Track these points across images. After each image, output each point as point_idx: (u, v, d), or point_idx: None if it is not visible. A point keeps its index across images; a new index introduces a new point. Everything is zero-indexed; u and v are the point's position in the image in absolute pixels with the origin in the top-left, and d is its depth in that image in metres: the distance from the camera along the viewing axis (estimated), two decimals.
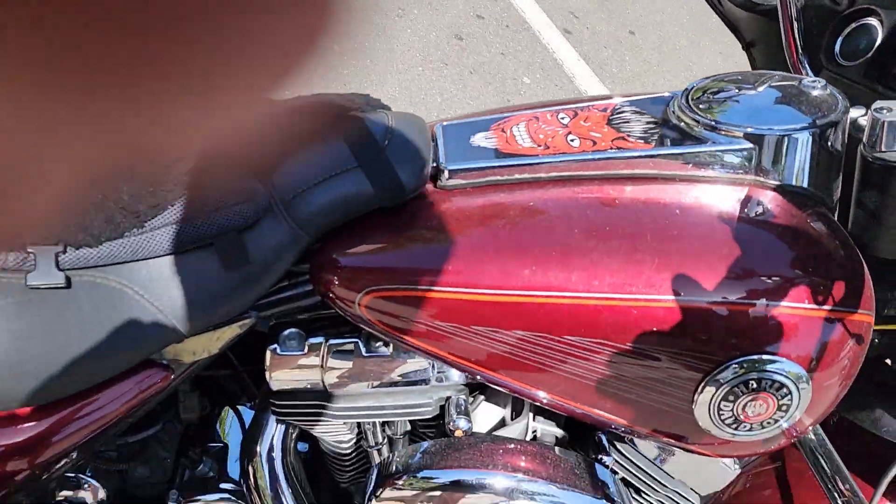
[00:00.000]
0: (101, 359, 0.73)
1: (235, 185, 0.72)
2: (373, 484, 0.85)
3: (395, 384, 0.84)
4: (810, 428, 0.80)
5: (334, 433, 0.91)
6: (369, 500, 0.84)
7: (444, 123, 0.87)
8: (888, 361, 1.07)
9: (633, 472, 0.91)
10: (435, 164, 0.80)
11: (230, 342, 0.81)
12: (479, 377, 0.80)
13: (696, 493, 0.95)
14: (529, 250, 0.72)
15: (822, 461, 1.02)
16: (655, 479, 0.92)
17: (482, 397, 0.90)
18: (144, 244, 0.71)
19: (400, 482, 0.83)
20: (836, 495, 0.99)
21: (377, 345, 0.82)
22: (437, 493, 0.82)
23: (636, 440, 0.89)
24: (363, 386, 0.84)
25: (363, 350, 0.82)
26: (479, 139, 0.82)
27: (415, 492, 0.83)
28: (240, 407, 1.10)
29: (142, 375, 0.78)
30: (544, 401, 0.79)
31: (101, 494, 0.95)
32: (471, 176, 0.78)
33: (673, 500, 0.95)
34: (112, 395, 0.77)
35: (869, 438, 1.15)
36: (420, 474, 0.83)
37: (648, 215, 0.73)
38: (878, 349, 0.98)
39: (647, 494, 0.94)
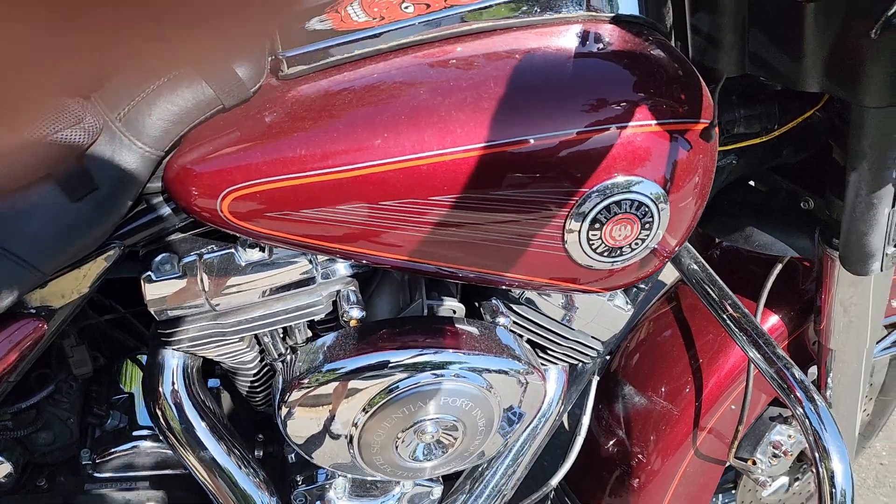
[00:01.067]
0: None
1: (59, 111, 0.68)
2: (279, 390, 0.85)
3: (281, 289, 0.83)
4: (677, 247, 0.83)
5: (234, 354, 0.90)
6: (279, 407, 0.84)
7: None
8: (752, 183, 1.13)
9: (534, 329, 0.94)
10: (272, 57, 0.77)
11: (99, 278, 0.78)
12: (361, 260, 0.80)
13: (598, 339, 0.99)
14: (379, 120, 0.71)
15: (709, 289, 1.08)
16: (556, 333, 0.95)
17: (373, 287, 0.90)
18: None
19: (305, 381, 0.83)
20: (724, 317, 1.05)
21: (253, 251, 0.80)
22: (344, 382, 0.82)
23: (532, 299, 0.92)
24: (249, 296, 0.82)
25: (240, 259, 0.80)
26: (314, 23, 0.80)
27: (321, 387, 0.83)
28: (140, 357, 1.07)
29: (11, 330, 0.74)
30: (431, 270, 0.79)
31: (7, 468, 0.92)
32: (310, 60, 0.76)
33: (576, 349, 0.98)
34: None
35: (749, 263, 1.22)
36: (324, 369, 0.83)
37: (490, 65, 0.74)
38: (738, 171, 1.03)
39: (551, 350, 0.98)
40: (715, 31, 0.82)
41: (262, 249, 0.81)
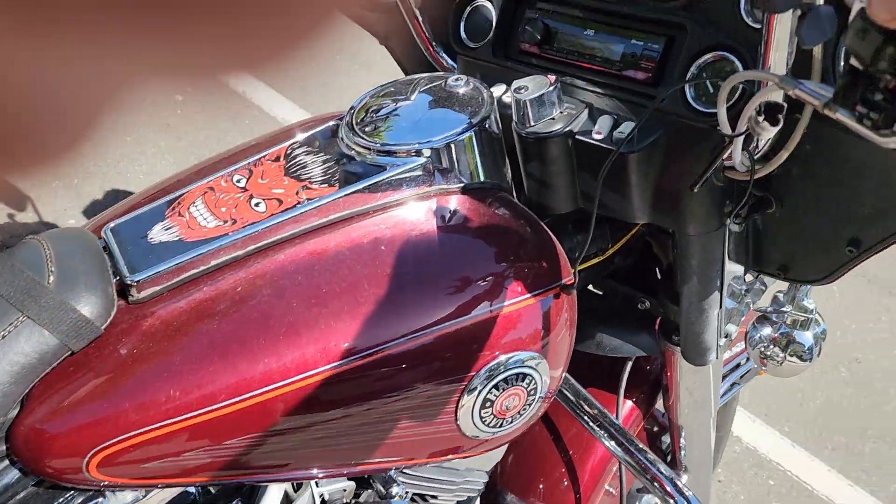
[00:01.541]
0: None
1: None
2: None
3: None
4: (559, 384, 0.87)
5: None
6: None
7: (112, 225, 0.78)
8: (591, 287, 1.21)
9: (426, 484, 0.94)
10: (118, 279, 0.71)
11: None
12: (250, 481, 0.75)
13: (481, 471, 1.01)
14: (255, 342, 0.68)
15: (568, 394, 1.14)
16: (446, 481, 0.96)
17: (258, 493, 0.85)
18: None
19: None
20: (586, 419, 1.11)
21: (125, 492, 0.73)
22: None
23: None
24: None
25: None
26: (158, 233, 0.75)
27: None
28: None
29: None
30: (321, 475, 0.76)
31: None
32: (162, 280, 0.71)
33: (465, 487, 0.99)
34: None
35: (600, 359, 1.30)
36: None
37: (357, 260, 0.73)
38: (580, 284, 1.10)
39: (443, 497, 0.98)
40: (547, 177, 0.87)
41: (135, 489, 0.73)
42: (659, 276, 1.08)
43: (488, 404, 0.75)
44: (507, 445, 0.99)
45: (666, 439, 1.33)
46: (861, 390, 2.36)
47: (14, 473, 0.68)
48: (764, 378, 1.46)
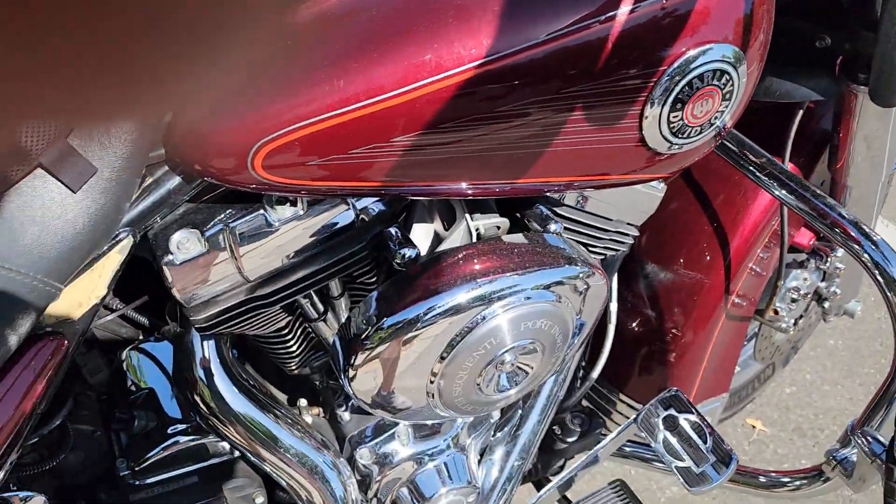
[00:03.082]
0: None
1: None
2: (341, 356, 0.76)
3: (320, 242, 0.73)
4: (735, 122, 0.77)
5: (270, 324, 0.80)
6: (345, 371, 0.76)
7: None
8: None
9: (576, 229, 0.88)
10: None
11: (115, 275, 0.66)
12: (409, 195, 0.70)
13: (633, 225, 0.94)
14: (420, 32, 0.60)
15: (728, 143, 1.03)
16: (598, 228, 0.89)
17: (411, 220, 0.81)
18: None
19: (369, 342, 0.74)
20: (752, 169, 1.01)
21: (284, 207, 0.69)
22: (411, 333, 0.74)
23: (572, 198, 0.85)
24: (287, 258, 0.72)
25: (271, 219, 0.69)
26: None
27: (387, 343, 0.74)
28: (142, 346, 0.96)
29: (30, 356, 0.62)
30: (486, 190, 0.71)
31: (40, 501, 0.81)
32: None
33: (616, 240, 0.93)
34: (6, 397, 0.62)
35: (754, 115, 1.18)
36: (386, 323, 0.74)
37: None
38: None
39: (592, 246, 0.92)
40: None
41: (294, 203, 0.70)
42: (847, 3, 0.93)
43: (679, 106, 0.66)
44: (658, 202, 0.90)
45: None
46: None
47: (175, 179, 0.65)
48: None
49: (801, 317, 1.46)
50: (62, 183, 0.57)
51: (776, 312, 1.28)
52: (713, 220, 1.17)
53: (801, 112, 1.06)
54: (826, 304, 1.39)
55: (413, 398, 0.79)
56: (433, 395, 0.78)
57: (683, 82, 0.65)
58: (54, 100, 0.20)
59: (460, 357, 0.76)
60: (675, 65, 0.64)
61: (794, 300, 1.30)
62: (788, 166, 1.13)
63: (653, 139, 0.69)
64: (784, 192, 0.95)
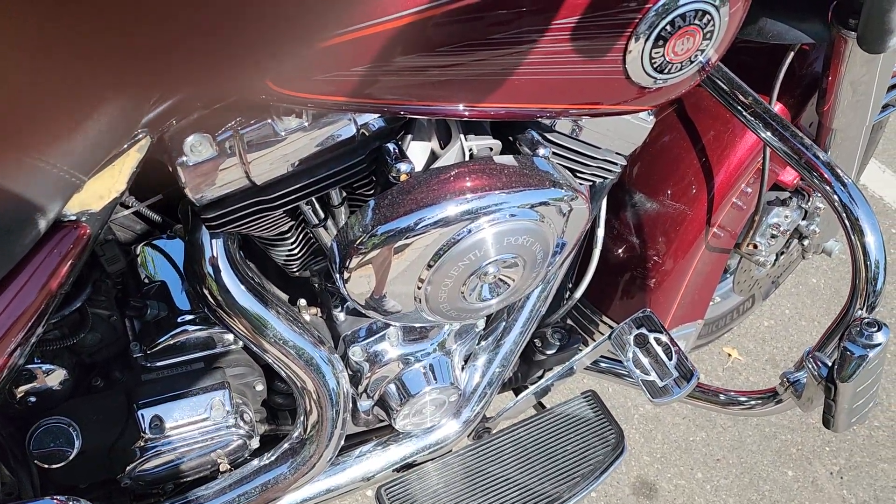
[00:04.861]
0: (1, 240, 0.63)
1: None
2: (338, 259, 0.83)
3: (323, 153, 0.79)
4: (719, 58, 0.81)
5: (274, 227, 0.87)
6: (340, 273, 0.83)
7: None
8: None
9: (565, 155, 0.93)
10: None
11: (133, 172, 0.72)
12: (406, 113, 0.76)
13: (621, 154, 0.99)
14: None
15: (720, 83, 1.08)
16: (585, 155, 0.94)
17: (409, 137, 0.86)
18: None
19: (363, 247, 0.81)
20: (739, 108, 1.06)
21: (290, 118, 0.75)
22: (401, 241, 0.81)
23: (563, 125, 0.90)
24: (291, 166, 0.78)
25: (278, 128, 0.75)
26: None
27: (379, 249, 0.81)
28: (155, 242, 1.03)
29: (56, 240, 0.69)
30: (479, 112, 0.76)
31: (62, 375, 0.89)
32: None
33: (603, 167, 0.98)
34: (34, 277, 0.69)
35: (748, 55, 1.21)
36: (379, 230, 0.81)
37: None
38: None
39: (580, 172, 0.97)
40: None
41: (300, 115, 0.75)
42: None
43: (661, 43, 0.71)
44: (647, 133, 0.95)
45: None
46: None
47: None
48: None
49: (781, 253, 1.52)
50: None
51: (755, 247, 1.34)
52: (701, 155, 1.22)
53: (791, 54, 1.10)
54: (805, 242, 1.45)
55: (402, 302, 0.86)
56: (420, 300, 0.86)
57: (666, 20, 0.69)
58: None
59: (446, 266, 0.82)
60: (660, 3, 0.68)
61: (773, 236, 1.37)
62: (777, 106, 1.18)
63: (636, 73, 0.74)
64: (767, 132, 0.99)
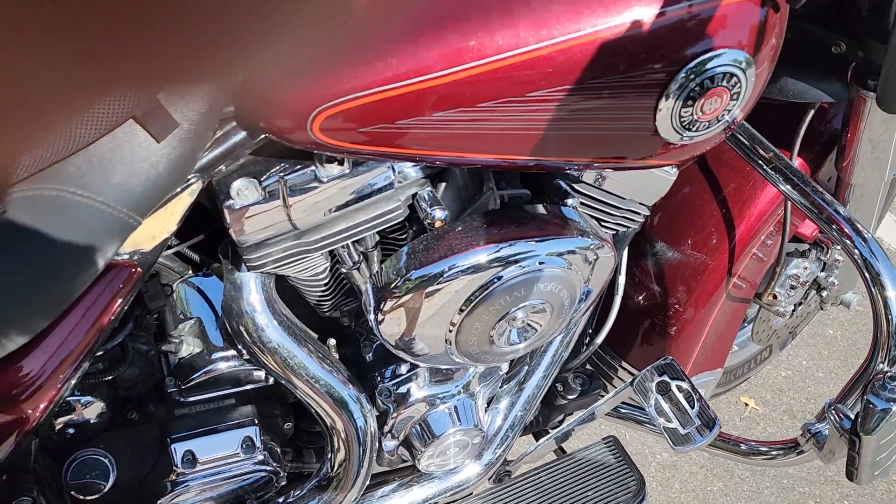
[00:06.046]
0: (65, 278, 0.67)
1: None
2: (372, 302, 0.86)
3: (361, 199, 0.82)
4: (745, 117, 0.85)
5: (310, 268, 0.90)
6: (375, 315, 0.86)
7: None
8: None
9: (591, 205, 0.96)
10: None
11: (184, 214, 0.75)
12: (445, 163, 0.79)
13: (644, 205, 1.02)
14: (470, 18, 0.68)
15: (741, 138, 1.11)
16: (611, 206, 0.98)
17: (443, 185, 0.90)
18: (62, 141, 0.63)
19: (397, 291, 0.84)
20: (760, 162, 1.09)
21: (333, 165, 0.79)
22: (434, 286, 0.84)
23: (590, 175, 0.93)
24: (331, 211, 0.81)
25: (321, 175, 0.78)
26: None
27: (413, 293, 0.84)
28: (192, 280, 1.06)
29: (109, 278, 0.72)
30: (516, 164, 0.79)
31: (100, 407, 0.92)
32: None
33: (627, 217, 1.01)
34: (88, 313, 0.72)
35: (768, 112, 1.25)
36: (413, 275, 0.84)
37: None
38: None
39: (605, 221, 1.00)
40: None
41: (341, 162, 0.79)
42: (864, 13, 0.99)
43: (690, 103, 0.74)
44: (670, 185, 0.98)
45: None
46: None
47: (241, 134, 0.75)
48: None
49: (800, 304, 1.54)
50: (149, 133, 0.66)
51: (775, 297, 1.36)
52: (722, 206, 1.24)
53: (812, 112, 1.13)
54: (824, 294, 1.47)
55: (433, 344, 0.89)
56: (451, 342, 0.88)
57: (696, 82, 0.73)
58: (139, 66, 0.22)
59: (478, 311, 0.85)
60: (691, 66, 0.72)
61: (793, 287, 1.38)
62: (797, 162, 1.21)
63: (665, 131, 0.77)
64: (787, 186, 1.02)
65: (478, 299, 0.84)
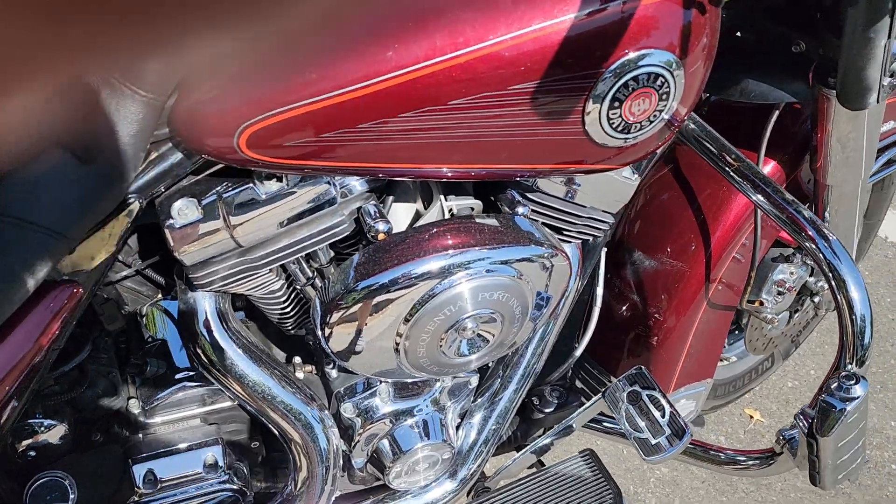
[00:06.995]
0: None
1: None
2: (319, 315, 0.86)
3: (303, 214, 0.83)
4: (687, 114, 0.84)
5: (263, 286, 0.90)
6: (322, 329, 0.86)
7: None
8: (738, 34, 1.12)
9: (549, 213, 0.95)
10: None
11: (124, 235, 0.77)
12: (381, 175, 0.79)
13: (608, 212, 1.01)
14: (387, 29, 0.69)
15: (708, 145, 1.10)
16: (570, 213, 0.97)
17: (391, 199, 0.90)
18: None
19: (343, 302, 0.84)
20: (726, 168, 1.07)
21: (271, 182, 0.79)
22: (381, 296, 0.84)
23: (544, 184, 0.93)
24: (273, 227, 0.82)
25: (259, 192, 0.79)
26: None
27: (360, 305, 0.84)
28: (161, 302, 1.07)
29: (49, 299, 0.74)
30: (450, 174, 0.79)
31: (62, 430, 0.93)
32: None
33: (590, 225, 1.00)
34: (26, 332, 0.73)
35: (738, 115, 1.23)
36: (359, 286, 0.84)
37: None
38: (726, 23, 1.02)
39: (567, 230, 0.99)
40: None
41: (280, 179, 0.80)
42: (821, 12, 0.98)
43: (616, 104, 0.74)
44: (633, 190, 0.97)
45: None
46: None
47: (177, 154, 0.76)
48: None
49: (796, 311, 1.50)
50: (75, 156, 0.68)
51: (761, 303, 1.34)
52: (698, 213, 1.23)
53: (776, 113, 1.11)
54: (816, 299, 1.43)
55: (382, 357, 0.88)
56: (400, 354, 0.88)
57: (620, 83, 0.72)
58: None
59: (423, 320, 0.85)
60: (612, 67, 0.72)
61: (780, 293, 1.35)
62: (770, 164, 1.19)
63: (597, 134, 0.76)
64: (751, 189, 1.01)
65: (423, 307, 0.84)
